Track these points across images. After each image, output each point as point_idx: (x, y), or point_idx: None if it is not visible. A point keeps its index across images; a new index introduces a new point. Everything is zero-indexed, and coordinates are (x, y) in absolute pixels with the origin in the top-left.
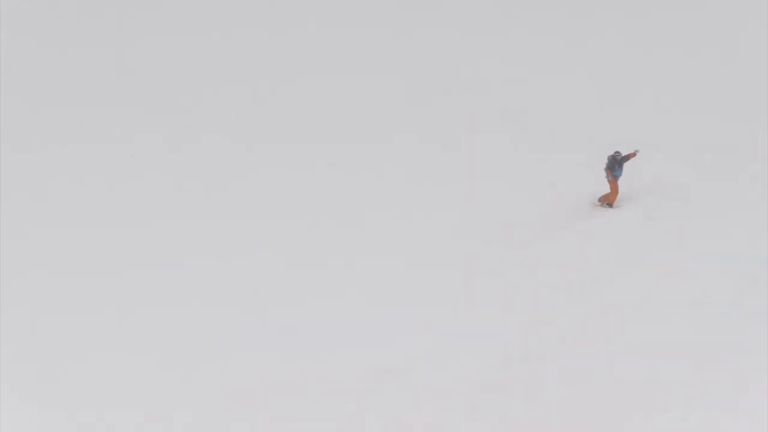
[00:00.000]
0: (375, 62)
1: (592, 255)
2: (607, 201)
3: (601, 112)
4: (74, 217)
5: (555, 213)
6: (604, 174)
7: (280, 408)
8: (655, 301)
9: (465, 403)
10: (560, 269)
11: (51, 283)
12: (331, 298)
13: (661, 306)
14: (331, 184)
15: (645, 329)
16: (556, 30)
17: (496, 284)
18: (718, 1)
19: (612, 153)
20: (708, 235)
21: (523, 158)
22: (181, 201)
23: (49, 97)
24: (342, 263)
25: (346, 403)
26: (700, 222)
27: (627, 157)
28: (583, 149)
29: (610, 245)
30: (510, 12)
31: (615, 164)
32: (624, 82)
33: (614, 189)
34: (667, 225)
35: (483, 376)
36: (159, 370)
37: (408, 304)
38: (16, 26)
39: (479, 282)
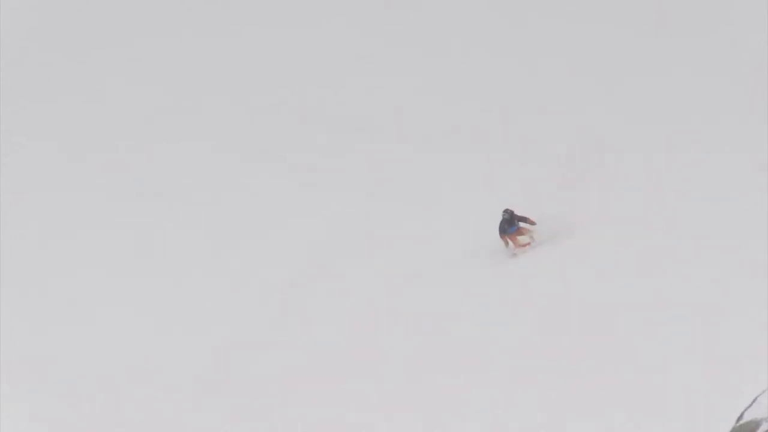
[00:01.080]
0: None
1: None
2: (522, 247)
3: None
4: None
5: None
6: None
7: None
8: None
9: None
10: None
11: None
12: None
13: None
14: None
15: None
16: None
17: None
18: None
19: (502, 213)
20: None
21: None
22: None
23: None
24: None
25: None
26: None
27: (522, 218)
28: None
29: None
30: None
31: (506, 225)
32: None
33: (517, 241)
34: None
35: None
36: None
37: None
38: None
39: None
